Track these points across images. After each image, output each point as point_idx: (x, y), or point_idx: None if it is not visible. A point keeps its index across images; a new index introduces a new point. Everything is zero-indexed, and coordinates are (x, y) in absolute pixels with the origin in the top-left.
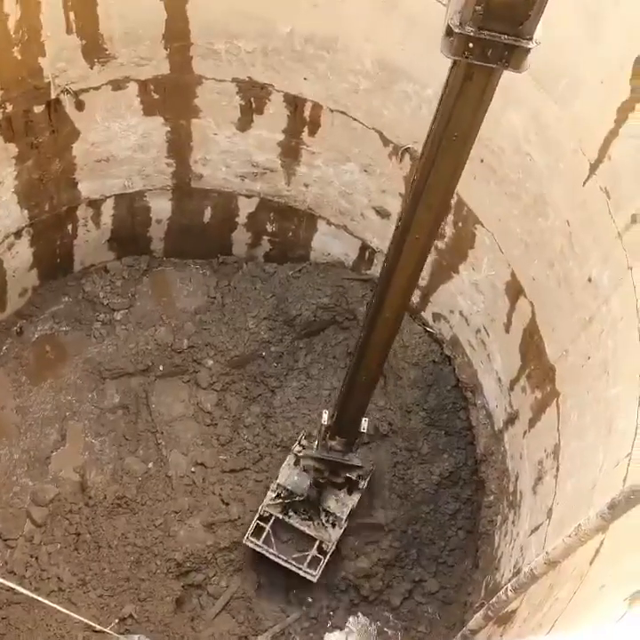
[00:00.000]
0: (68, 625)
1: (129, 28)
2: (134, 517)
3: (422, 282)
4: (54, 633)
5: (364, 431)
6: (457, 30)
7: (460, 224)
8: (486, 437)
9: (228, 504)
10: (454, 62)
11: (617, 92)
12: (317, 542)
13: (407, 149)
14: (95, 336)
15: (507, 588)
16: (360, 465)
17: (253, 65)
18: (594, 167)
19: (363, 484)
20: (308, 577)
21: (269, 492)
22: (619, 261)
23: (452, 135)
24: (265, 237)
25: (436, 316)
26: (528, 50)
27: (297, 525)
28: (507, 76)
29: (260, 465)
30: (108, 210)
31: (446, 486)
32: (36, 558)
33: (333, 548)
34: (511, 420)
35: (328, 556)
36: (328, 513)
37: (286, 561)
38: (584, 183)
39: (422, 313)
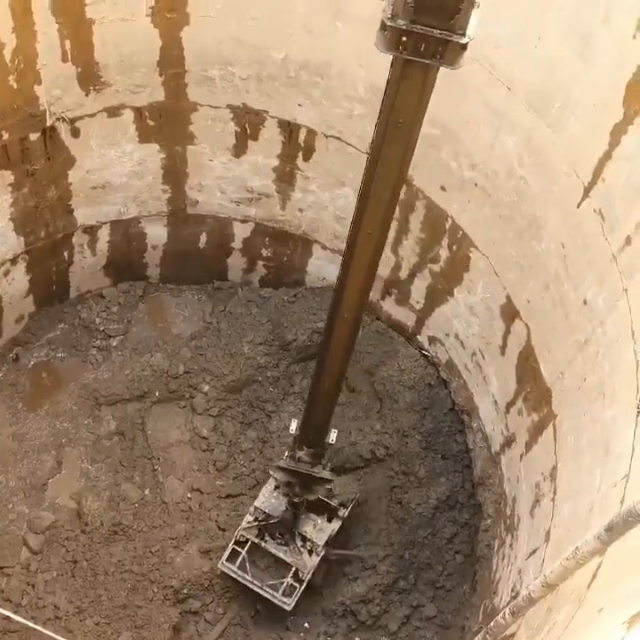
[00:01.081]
0: None
1: (124, 55)
2: (131, 544)
3: (417, 305)
4: None
5: (332, 443)
6: (389, 23)
7: (454, 247)
8: (483, 460)
9: (224, 530)
10: (393, 58)
11: (610, 114)
12: (293, 569)
13: None
14: (91, 362)
15: (505, 612)
16: (329, 478)
17: (248, 91)
18: (588, 189)
19: (343, 512)
20: (283, 605)
21: (247, 516)
22: (614, 283)
23: (397, 122)
24: (260, 262)
25: (432, 340)
26: (462, 45)
27: (272, 550)
28: (500, 100)
29: (257, 490)
30: (103, 236)
31: (443, 510)
32: (33, 586)
33: (309, 576)
34: (508, 442)
35: (304, 585)
36: (304, 538)
37: (261, 588)
38: (578, 205)
39: (418, 336)
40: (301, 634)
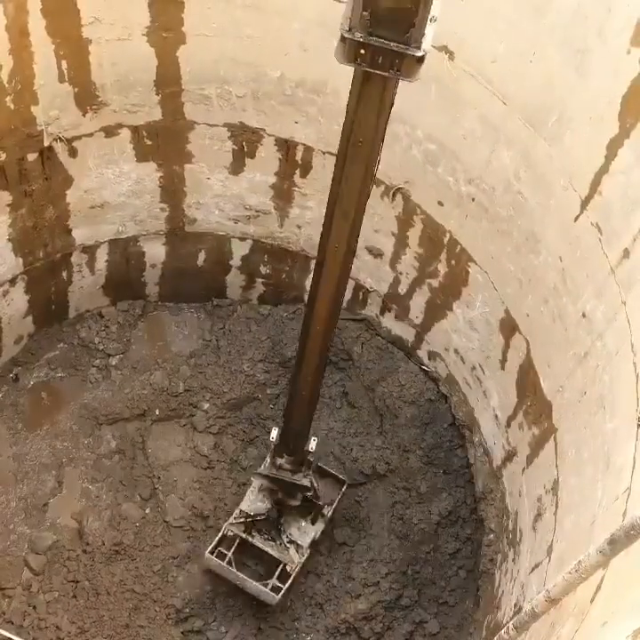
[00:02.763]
0: None
1: (120, 75)
2: (132, 564)
3: (416, 320)
4: None
5: (312, 451)
6: (347, 35)
7: (453, 262)
8: (485, 475)
9: None
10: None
11: (606, 128)
12: (281, 565)
13: (399, 189)
14: (91, 381)
15: (508, 627)
16: (307, 485)
17: (245, 110)
18: (585, 203)
19: (328, 511)
20: (268, 599)
21: (233, 516)
22: (612, 296)
23: (357, 141)
24: (259, 280)
25: (432, 355)
26: (418, 58)
27: (260, 545)
28: (497, 115)
29: None
30: (102, 255)
31: (446, 525)
32: (34, 607)
33: (297, 569)
34: (509, 457)
35: (291, 579)
36: (290, 540)
37: (247, 583)
38: (575, 219)
39: (417, 351)
40: None
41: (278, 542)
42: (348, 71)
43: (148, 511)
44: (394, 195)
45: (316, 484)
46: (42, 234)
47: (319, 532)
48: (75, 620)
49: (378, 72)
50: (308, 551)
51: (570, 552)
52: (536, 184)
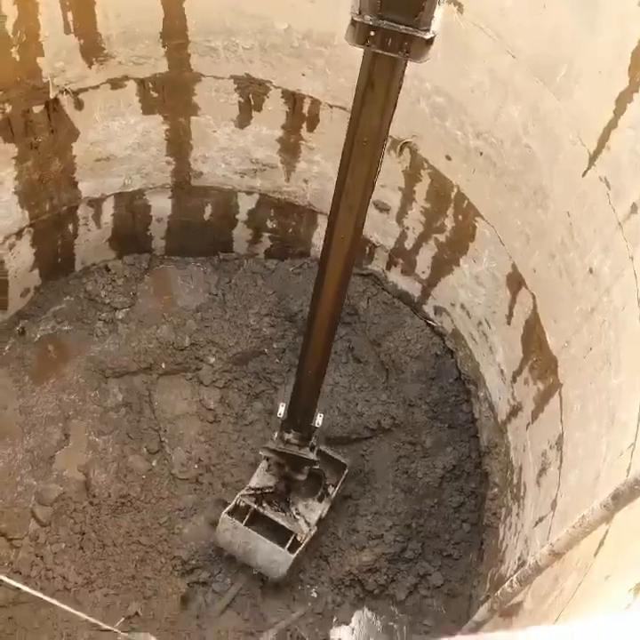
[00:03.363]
0: (73, 624)
1: (126, 26)
2: (139, 516)
3: (423, 275)
4: (60, 632)
5: (318, 426)
6: (357, 19)
7: (460, 217)
8: (489, 430)
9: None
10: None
11: (615, 82)
12: (292, 536)
13: (406, 143)
14: (97, 335)
15: (512, 580)
16: (314, 459)
17: (251, 62)
18: (593, 158)
19: (332, 491)
20: (283, 556)
21: (243, 491)
22: (620, 251)
23: (362, 141)
24: (265, 234)
25: (438, 310)
26: (427, 40)
27: (271, 516)
28: (505, 68)
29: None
30: (108, 209)
31: (450, 480)
32: (42, 558)
33: (308, 539)
34: (514, 412)
35: (302, 546)
36: (298, 513)
37: (264, 540)
38: (584, 174)
39: (424, 306)
40: (309, 603)
41: (288, 513)
42: None
43: (154, 464)
44: (401, 149)
45: (321, 465)
46: (48, 187)
47: (325, 511)
48: (81, 570)
49: (388, 54)
50: (316, 528)
51: (574, 506)
52: (544, 138)
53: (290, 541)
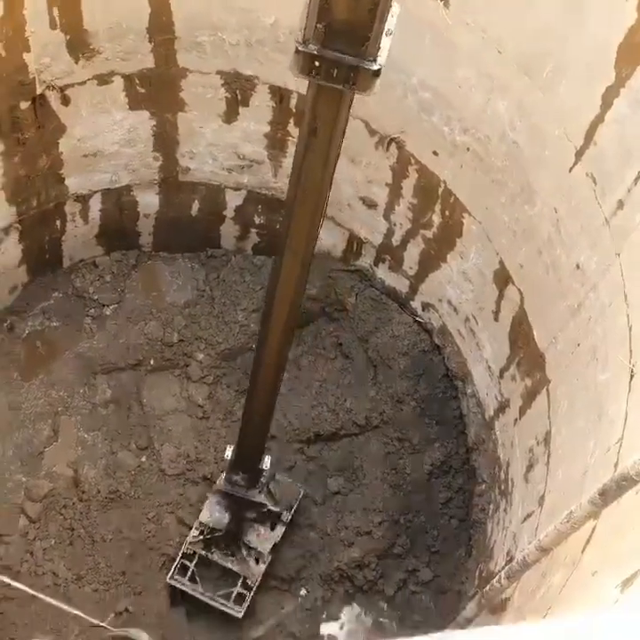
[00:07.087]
0: (64, 620)
1: (113, 22)
2: (128, 511)
3: (410, 271)
4: (50, 628)
5: (266, 468)
6: (300, 48)
7: (447, 213)
8: (477, 426)
9: None
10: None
11: (601, 77)
12: (242, 578)
13: (393, 139)
14: (85, 331)
15: (500, 576)
16: (264, 502)
17: (238, 57)
18: (580, 153)
19: (287, 516)
20: (233, 613)
21: (193, 530)
22: (606, 247)
23: (306, 187)
24: (253, 230)
25: (425, 306)
26: (373, 72)
27: (220, 561)
28: (492, 64)
29: None
30: (95, 205)
31: (438, 476)
32: (31, 554)
33: (258, 582)
34: (502, 408)
35: (253, 591)
36: (249, 548)
37: (211, 598)
38: (570, 169)
39: (411, 302)
40: (299, 599)
41: (238, 556)
42: None
43: (143, 459)
44: (388, 144)
45: (274, 492)
46: (35, 183)
47: (279, 536)
48: (71, 566)
49: (332, 85)
50: (270, 557)
51: (561, 502)
52: (531, 134)
53: (240, 582)
